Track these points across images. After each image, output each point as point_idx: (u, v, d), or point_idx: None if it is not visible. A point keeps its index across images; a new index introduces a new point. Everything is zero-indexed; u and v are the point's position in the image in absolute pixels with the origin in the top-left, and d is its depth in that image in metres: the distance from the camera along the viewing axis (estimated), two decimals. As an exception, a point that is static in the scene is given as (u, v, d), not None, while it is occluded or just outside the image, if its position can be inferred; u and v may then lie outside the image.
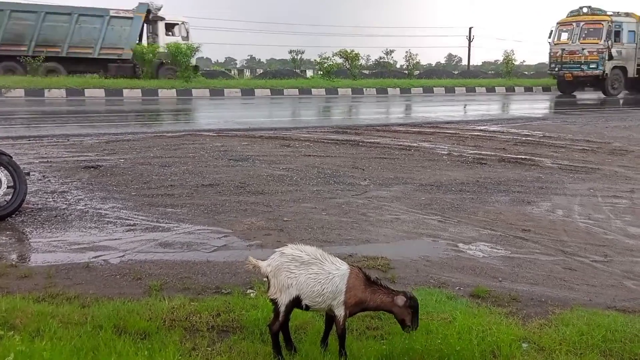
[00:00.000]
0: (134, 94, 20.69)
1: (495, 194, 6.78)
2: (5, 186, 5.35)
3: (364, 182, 7.23)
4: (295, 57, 40.41)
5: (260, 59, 71.78)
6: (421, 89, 26.56)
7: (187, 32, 26.46)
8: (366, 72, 36.60)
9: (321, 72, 28.61)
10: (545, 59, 26.99)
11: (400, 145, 10.12)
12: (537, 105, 21.11)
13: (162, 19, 25.82)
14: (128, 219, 5.41)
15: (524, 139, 11.16)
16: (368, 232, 5.18)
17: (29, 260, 4.40)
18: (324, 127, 12.34)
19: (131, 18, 24.90)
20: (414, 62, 32.75)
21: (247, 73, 41.52)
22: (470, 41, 44.82)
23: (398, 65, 36.59)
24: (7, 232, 5.02)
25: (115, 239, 4.84)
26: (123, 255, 4.43)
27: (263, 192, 6.53)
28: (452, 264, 4.46)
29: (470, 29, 44.76)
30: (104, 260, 4.33)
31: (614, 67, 23.98)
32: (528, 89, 28.72)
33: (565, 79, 24.87)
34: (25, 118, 14.03)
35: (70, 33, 23.64)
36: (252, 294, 3.63)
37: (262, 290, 3.57)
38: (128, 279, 3.93)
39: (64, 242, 4.74)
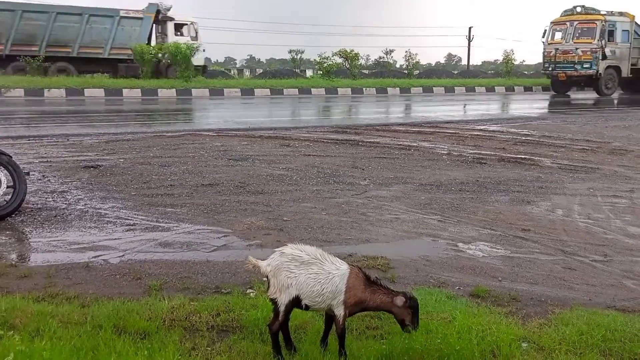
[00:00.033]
0: (134, 93, 20.68)
1: (495, 193, 6.78)
2: (5, 186, 5.35)
3: (363, 181, 7.23)
4: (295, 56, 40.47)
5: (259, 59, 71.86)
6: (421, 88, 26.55)
7: (196, 32, 26.64)
8: (366, 71, 36.60)
9: (321, 72, 28.59)
10: (544, 58, 26.88)
11: (400, 144, 10.12)
12: (536, 105, 21.12)
13: (172, 19, 25.99)
14: (128, 219, 5.41)
15: (523, 138, 11.16)
16: (368, 232, 5.18)
17: (29, 260, 4.40)
18: (324, 127, 12.34)
19: (141, 18, 25.16)
20: (414, 61, 32.72)
21: (247, 73, 41.50)
22: (469, 41, 44.86)
23: (398, 65, 36.64)
24: (7, 232, 5.02)
25: (115, 239, 4.84)
26: (123, 255, 4.43)
27: (263, 192, 6.53)
28: (451, 263, 4.46)
29: (470, 28, 44.81)
30: (103, 260, 4.33)
31: (608, 67, 23.85)
32: (528, 89, 28.72)
33: (559, 79, 24.74)
34: (25, 118, 14.02)
35: (81, 33, 23.84)
36: (251, 294, 3.63)
37: (261, 290, 3.57)
38: (128, 279, 3.93)
39: (63, 242, 4.74)
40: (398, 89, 25.96)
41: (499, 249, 4.84)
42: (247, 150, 9.16)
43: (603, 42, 23.27)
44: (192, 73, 23.83)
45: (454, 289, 3.89)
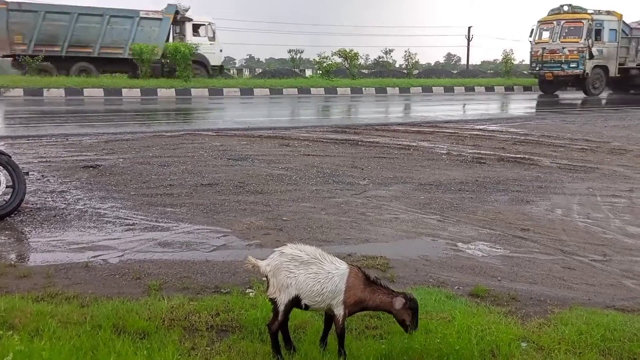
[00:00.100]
0: (133, 93, 20.67)
1: (494, 193, 6.78)
2: (4, 186, 5.35)
3: (363, 181, 7.23)
4: (295, 56, 40.41)
5: (259, 59, 71.73)
6: (420, 88, 26.55)
7: (214, 33, 26.79)
8: (365, 71, 36.59)
9: (320, 72, 28.57)
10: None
11: (400, 144, 10.12)
12: (535, 105, 21.12)
13: (190, 19, 26.17)
14: (127, 219, 5.41)
15: (522, 138, 11.17)
16: (367, 232, 5.18)
17: (28, 259, 4.40)
18: (323, 127, 12.33)
19: (160, 19, 25.35)
20: (413, 61, 32.73)
21: (246, 72, 41.47)
22: (469, 41, 44.84)
23: (397, 65, 36.63)
24: (6, 232, 5.01)
25: (115, 239, 4.84)
26: (122, 255, 4.43)
27: (262, 192, 6.53)
28: (451, 263, 4.46)
29: (469, 28, 44.77)
30: (103, 259, 4.33)
31: (595, 67, 23.59)
32: (527, 89, 28.70)
33: (546, 79, 24.49)
34: (24, 117, 14.01)
35: (102, 34, 24.05)
36: (251, 294, 3.63)
37: (261, 290, 3.57)
38: (127, 279, 3.93)
39: (63, 242, 4.74)
40: (397, 88, 25.95)
41: (498, 248, 4.84)
42: (247, 150, 9.16)
43: (590, 41, 23.01)
44: (188, 73, 23.92)
45: (453, 288, 3.89)
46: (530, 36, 25.09)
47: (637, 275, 4.34)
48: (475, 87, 27.94)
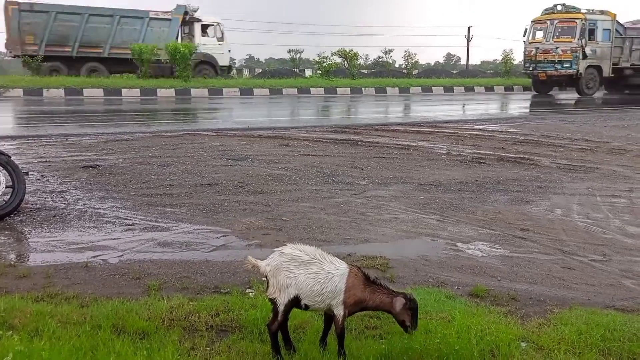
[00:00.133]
0: (133, 93, 20.67)
1: (494, 193, 6.78)
2: (4, 186, 5.35)
3: (362, 181, 7.23)
4: (294, 56, 40.47)
5: (258, 59, 71.71)
6: (420, 88, 26.55)
7: (222, 34, 26.90)
8: (365, 71, 36.62)
9: (320, 72, 28.59)
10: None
11: (399, 144, 10.12)
12: (535, 105, 21.12)
13: (199, 20, 26.28)
14: (127, 219, 5.40)
15: (522, 138, 11.17)
16: (367, 232, 5.18)
17: (28, 260, 4.39)
18: (323, 127, 12.33)
19: (169, 19, 25.54)
20: (413, 61, 32.73)
21: (246, 72, 41.51)
22: (469, 41, 44.87)
23: (397, 65, 36.70)
24: (6, 232, 5.01)
25: (114, 239, 4.84)
26: (122, 255, 4.43)
27: (262, 192, 6.53)
28: (450, 263, 4.46)
29: (469, 28, 44.81)
30: (102, 260, 4.33)
31: (589, 67, 23.47)
32: (527, 89, 28.64)
33: (540, 79, 24.39)
34: (24, 117, 14.01)
35: (112, 34, 24.23)
36: (251, 294, 3.63)
37: (261, 290, 3.57)
38: (127, 279, 3.93)
39: (62, 242, 4.74)
40: (397, 88, 25.96)
41: (498, 248, 4.85)
42: (246, 150, 9.16)
43: (583, 41, 22.86)
44: (189, 73, 23.96)
45: (453, 288, 3.89)
46: (524, 36, 24.98)
47: (636, 275, 4.35)
48: (475, 87, 27.94)
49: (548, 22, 23.79)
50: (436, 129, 12.32)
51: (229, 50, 27.72)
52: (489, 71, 45.41)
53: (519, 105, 21.13)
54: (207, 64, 26.13)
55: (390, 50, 36.81)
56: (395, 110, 18.37)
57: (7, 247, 4.64)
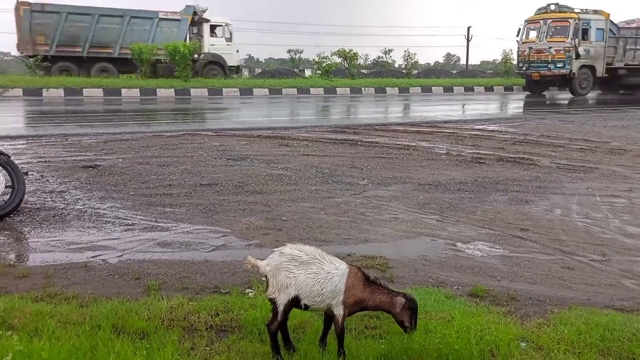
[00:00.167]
0: (132, 93, 20.67)
1: (494, 193, 6.78)
2: (4, 186, 5.35)
3: (362, 181, 7.23)
4: (294, 56, 40.48)
5: (258, 59, 71.69)
6: (420, 88, 26.56)
7: (231, 34, 27.01)
8: (365, 71, 36.65)
9: (320, 72, 28.60)
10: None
11: (399, 144, 10.12)
12: (535, 105, 21.12)
13: (207, 20, 26.38)
14: (126, 219, 5.40)
15: (522, 138, 11.17)
16: (366, 232, 5.18)
17: (27, 260, 4.39)
18: (323, 127, 12.33)
19: (178, 20, 25.72)
20: (413, 61, 32.74)
21: (246, 72, 41.50)
22: (468, 40, 44.88)
23: (396, 65, 36.72)
24: (5, 232, 5.01)
25: (114, 239, 4.84)
26: (121, 255, 4.43)
27: (261, 192, 6.53)
28: (450, 263, 4.46)
29: (468, 28, 44.82)
30: (102, 259, 4.33)
31: (582, 66, 23.37)
32: (526, 88, 28.71)
33: (533, 79, 24.29)
34: (24, 117, 14.00)
35: (122, 34, 24.39)
36: (250, 294, 3.63)
37: (260, 290, 3.57)
38: (126, 279, 3.93)
39: (62, 242, 4.74)
40: (397, 88, 25.96)
41: (497, 248, 4.85)
42: (246, 150, 9.16)
43: (576, 40, 22.75)
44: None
45: (452, 288, 3.89)
46: (518, 35, 24.90)
47: (636, 275, 4.35)
48: (474, 87, 27.95)
49: (541, 21, 23.72)
50: (436, 129, 12.32)
51: (237, 51, 27.90)
52: (488, 71, 45.44)
53: (519, 105, 21.13)
54: (216, 64, 26.25)
55: (390, 50, 36.87)
56: (395, 110, 18.37)
57: (6, 247, 4.64)
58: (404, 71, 33.27)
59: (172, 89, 21.42)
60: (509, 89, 28.37)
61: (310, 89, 24.32)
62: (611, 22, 23.96)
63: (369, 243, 4.88)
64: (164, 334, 2.96)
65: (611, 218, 5.87)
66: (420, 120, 14.09)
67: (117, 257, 4.39)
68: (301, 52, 41.70)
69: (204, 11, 26.44)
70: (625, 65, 24.57)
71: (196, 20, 26.22)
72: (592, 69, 23.77)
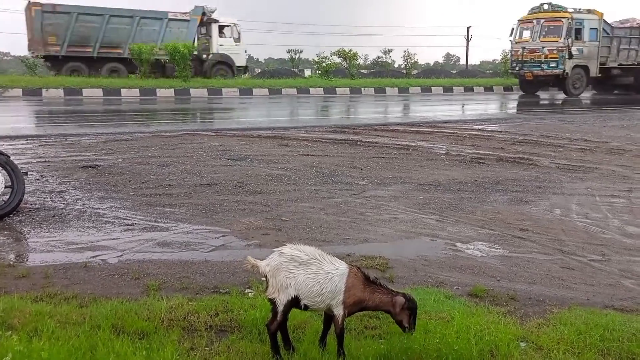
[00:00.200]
0: (132, 93, 20.67)
1: (494, 193, 6.78)
2: (3, 186, 5.34)
3: (362, 181, 7.23)
4: (294, 56, 40.50)
5: (258, 59, 71.71)
6: (419, 88, 26.57)
7: (239, 34, 27.13)
8: (364, 71, 36.68)
9: (319, 72, 28.61)
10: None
11: (399, 144, 10.12)
12: (535, 105, 21.13)
13: (216, 21, 26.49)
14: (126, 219, 5.40)
15: (521, 138, 11.18)
16: (366, 232, 5.18)
17: (27, 260, 4.39)
18: (322, 127, 12.33)
19: (188, 20, 25.90)
20: (412, 61, 32.75)
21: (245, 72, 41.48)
22: (468, 41, 44.94)
23: (396, 65, 36.81)
24: (5, 232, 5.01)
25: (114, 239, 4.84)
26: (121, 255, 4.43)
27: (261, 192, 6.53)
28: (450, 263, 4.46)
29: (468, 28, 44.90)
30: (102, 260, 4.33)
31: (575, 66, 23.28)
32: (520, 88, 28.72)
33: (526, 79, 24.21)
34: (23, 117, 14.00)
35: (132, 35, 24.58)
36: (250, 294, 3.63)
37: (260, 290, 3.57)
38: (126, 279, 3.93)
39: (62, 242, 4.74)
40: (396, 88, 25.97)
41: (497, 248, 4.85)
42: (246, 150, 9.16)
43: (569, 40, 22.65)
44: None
45: (452, 288, 3.89)
46: (511, 35, 24.82)
47: (636, 275, 4.35)
48: (474, 87, 27.97)
49: (534, 21, 23.62)
50: (435, 129, 12.32)
51: (245, 51, 28.10)
52: (488, 71, 45.49)
53: (519, 105, 21.12)
54: (224, 64, 26.36)
55: (390, 50, 36.98)
56: (395, 110, 18.38)
57: (6, 247, 4.63)
58: (404, 71, 33.29)
59: (172, 89, 21.43)
60: (508, 89, 28.37)
61: (310, 89, 24.33)
62: (605, 21, 23.86)
63: (369, 243, 4.88)
64: (164, 334, 2.96)
65: (611, 218, 5.87)
66: (419, 120, 14.10)
67: (117, 257, 4.39)
68: (301, 52, 41.81)
69: (213, 12, 26.58)
70: (619, 65, 24.52)
71: (205, 20, 26.36)
72: (585, 69, 23.69)
